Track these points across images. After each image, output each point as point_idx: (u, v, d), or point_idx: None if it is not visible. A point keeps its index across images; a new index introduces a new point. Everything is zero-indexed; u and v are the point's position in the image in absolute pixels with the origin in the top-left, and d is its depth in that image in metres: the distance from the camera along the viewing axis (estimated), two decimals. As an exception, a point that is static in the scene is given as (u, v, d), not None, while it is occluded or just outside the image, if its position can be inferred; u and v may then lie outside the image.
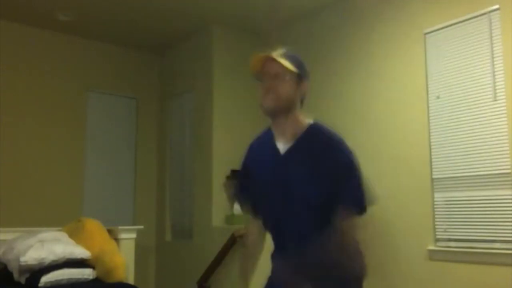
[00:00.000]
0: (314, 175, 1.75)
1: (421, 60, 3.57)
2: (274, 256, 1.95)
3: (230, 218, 4.46)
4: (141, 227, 4.38)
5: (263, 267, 2.05)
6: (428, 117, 3.49)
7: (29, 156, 4.58)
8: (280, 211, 1.82)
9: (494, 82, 3.17)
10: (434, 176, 3.42)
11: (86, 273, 3.59)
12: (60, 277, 3.45)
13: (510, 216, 3.03)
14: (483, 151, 3.19)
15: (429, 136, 3.47)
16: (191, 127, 5.04)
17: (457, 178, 3.32)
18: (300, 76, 1.82)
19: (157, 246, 5.26)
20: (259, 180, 1.88)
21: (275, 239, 1.91)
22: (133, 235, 4.14)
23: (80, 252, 3.64)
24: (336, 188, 1.74)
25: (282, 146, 1.82)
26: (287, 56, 1.79)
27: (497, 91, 3.15)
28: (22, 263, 3.39)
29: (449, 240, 3.32)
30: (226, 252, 4.14)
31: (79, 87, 4.97)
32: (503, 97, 3.11)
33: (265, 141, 1.89)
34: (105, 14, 4.52)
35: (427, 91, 3.52)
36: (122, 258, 3.79)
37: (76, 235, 3.89)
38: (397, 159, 3.66)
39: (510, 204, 3.04)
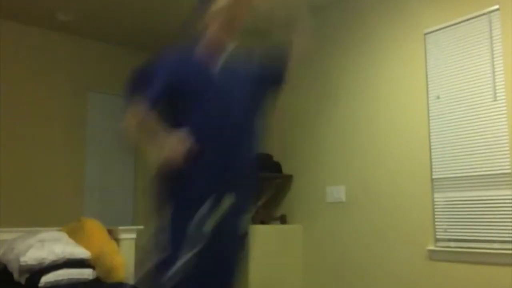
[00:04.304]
0: None
1: (421, 60, 3.56)
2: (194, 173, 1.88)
3: (230, 218, 4.45)
4: (141, 227, 4.38)
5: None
6: (428, 117, 3.49)
7: (29, 156, 4.58)
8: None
9: (494, 82, 3.17)
10: (434, 176, 3.42)
11: (86, 273, 3.59)
12: (60, 277, 3.45)
13: (510, 216, 3.03)
14: (483, 151, 3.19)
15: (429, 136, 3.47)
16: (191, 127, 5.03)
17: (457, 178, 3.32)
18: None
19: (157, 246, 5.25)
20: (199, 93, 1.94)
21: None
22: (133, 235, 4.14)
23: (80, 252, 3.65)
24: None
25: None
26: None
27: (497, 91, 3.15)
28: (22, 263, 3.39)
29: (449, 240, 3.32)
30: (226, 252, 4.14)
31: (79, 87, 4.97)
32: (503, 97, 3.11)
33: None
34: (105, 14, 4.52)
35: (427, 91, 3.52)
36: (122, 258, 3.79)
37: (76, 235, 3.89)
38: (397, 159, 3.66)
39: (510, 204, 3.04)
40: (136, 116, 1.86)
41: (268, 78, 2.12)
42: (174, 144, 1.78)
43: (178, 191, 1.90)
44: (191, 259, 1.80)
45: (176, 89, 1.94)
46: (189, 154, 1.81)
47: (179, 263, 1.79)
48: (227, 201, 1.89)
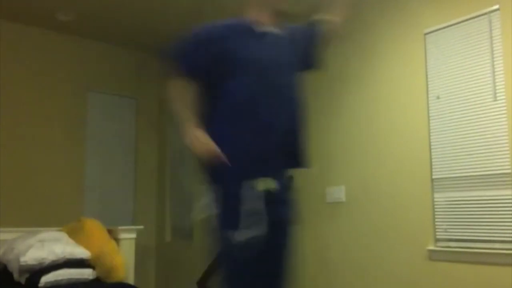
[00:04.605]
0: None
1: (421, 60, 3.56)
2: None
3: (230, 218, 4.46)
4: (141, 227, 4.38)
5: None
6: (428, 117, 3.49)
7: (29, 156, 4.58)
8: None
9: (494, 82, 3.17)
10: (434, 176, 3.42)
11: (86, 273, 3.59)
12: (60, 277, 3.45)
13: (510, 216, 3.03)
14: (483, 151, 3.19)
15: (429, 136, 3.47)
16: (191, 127, 5.03)
17: (457, 178, 3.32)
18: None
19: (157, 246, 5.26)
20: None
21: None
22: (133, 235, 4.15)
23: (80, 252, 3.65)
24: None
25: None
26: None
27: (497, 91, 3.15)
28: (22, 263, 3.39)
29: (449, 240, 3.32)
30: (226, 252, 4.14)
31: (79, 87, 4.97)
32: (503, 97, 3.11)
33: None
34: (105, 14, 4.52)
35: (427, 91, 3.51)
36: (122, 258, 3.79)
37: (76, 235, 3.90)
38: (397, 159, 3.66)
39: (510, 204, 3.04)
40: (175, 86, 2.02)
41: (302, 57, 2.18)
42: (199, 146, 1.90)
43: (229, 162, 1.91)
44: (255, 237, 1.85)
45: (221, 53, 1.96)
46: (216, 158, 1.86)
47: (243, 235, 1.84)
48: (280, 176, 1.94)
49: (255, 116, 1.93)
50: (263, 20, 2.11)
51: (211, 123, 1.98)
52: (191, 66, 2.01)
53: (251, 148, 1.93)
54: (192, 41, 2.03)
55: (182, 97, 2.03)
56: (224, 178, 1.92)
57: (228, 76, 1.95)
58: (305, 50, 2.22)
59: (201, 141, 1.91)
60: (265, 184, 1.91)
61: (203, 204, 1.97)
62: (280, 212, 2.01)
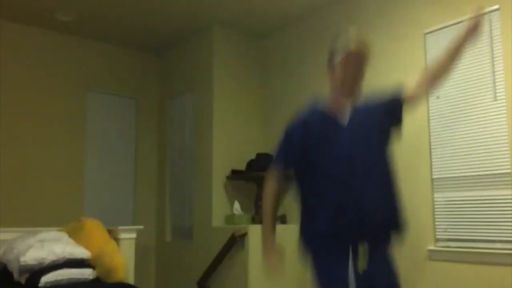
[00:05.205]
0: None
1: (421, 60, 3.56)
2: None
3: (230, 218, 4.46)
4: (141, 227, 4.38)
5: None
6: (428, 117, 3.49)
7: (29, 156, 4.58)
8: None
9: (494, 82, 3.17)
10: (434, 176, 3.42)
11: (86, 273, 3.59)
12: (60, 277, 3.45)
13: (510, 216, 3.03)
14: (483, 151, 3.19)
15: (429, 136, 3.47)
16: (191, 127, 5.04)
17: (457, 178, 3.32)
18: None
19: (157, 246, 5.26)
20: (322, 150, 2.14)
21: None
22: (133, 235, 4.14)
23: (80, 252, 3.65)
24: None
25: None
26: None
27: (497, 91, 3.15)
28: (22, 263, 3.39)
29: (449, 240, 3.32)
30: (226, 252, 4.14)
31: (79, 87, 4.97)
32: (503, 97, 3.11)
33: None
34: (105, 14, 4.52)
35: (427, 91, 3.51)
36: (122, 258, 3.79)
37: (76, 235, 3.89)
38: (397, 159, 3.65)
39: (510, 204, 3.04)
40: (271, 184, 2.27)
41: (391, 112, 2.25)
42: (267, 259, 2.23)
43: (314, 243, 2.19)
44: None
45: (306, 144, 2.16)
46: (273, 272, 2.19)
47: None
48: (362, 250, 2.04)
49: (329, 201, 2.10)
50: (340, 104, 2.19)
51: (300, 208, 2.30)
52: (286, 162, 2.25)
53: (326, 230, 2.11)
54: (284, 141, 2.28)
55: (272, 196, 2.29)
56: (314, 261, 2.18)
57: (310, 167, 2.16)
58: (387, 117, 2.26)
59: (269, 256, 2.24)
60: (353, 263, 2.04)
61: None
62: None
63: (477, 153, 3.22)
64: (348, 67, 2.17)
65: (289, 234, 4.29)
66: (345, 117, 2.17)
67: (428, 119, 3.49)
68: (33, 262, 3.41)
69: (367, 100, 2.27)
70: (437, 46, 3.50)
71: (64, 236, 3.85)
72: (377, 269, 2.05)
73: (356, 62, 2.19)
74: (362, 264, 2.01)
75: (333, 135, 2.14)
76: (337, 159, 2.11)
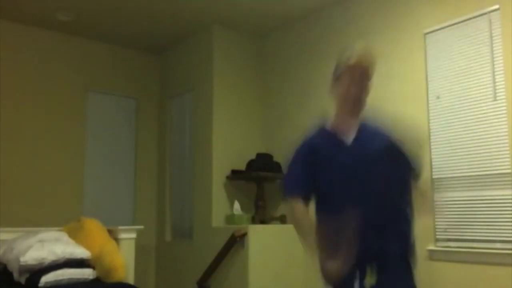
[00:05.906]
0: None
1: (421, 60, 3.56)
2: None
3: (230, 218, 4.46)
4: (141, 227, 4.37)
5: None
6: (428, 117, 3.49)
7: (29, 156, 4.58)
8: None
9: (494, 82, 3.17)
10: (434, 176, 3.42)
11: (86, 273, 3.59)
12: (60, 277, 3.45)
13: (510, 216, 3.03)
14: (483, 151, 3.19)
15: (429, 136, 3.47)
16: (191, 127, 5.04)
17: (457, 178, 3.32)
18: None
19: (157, 246, 5.26)
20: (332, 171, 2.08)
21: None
22: (133, 235, 4.14)
23: (80, 252, 3.64)
24: None
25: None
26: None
27: (497, 91, 3.15)
28: (22, 263, 3.39)
29: (449, 240, 3.32)
30: (226, 252, 4.15)
31: (79, 87, 4.97)
32: (503, 97, 3.11)
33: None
34: (105, 14, 4.52)
35: (427, 91, 3.51)
36: (122, 258, 3.79)
37: (76, 235, 3.89)
38: (397, 159, 3.65)
39: (510, 204, 3.04)
40: (294, 211, 2.13)
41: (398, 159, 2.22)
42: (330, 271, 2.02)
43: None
44: None
45: (314, 166, 2.10)
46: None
47: None
48: (369, 269, 1.99)
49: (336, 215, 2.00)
50: (345, 121, 2.13)
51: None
52: (300, 187, 2.13)
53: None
54: (295, 165, 2.18)
55: (302, 222, 2.12)
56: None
57: (316, 188, 2.11)
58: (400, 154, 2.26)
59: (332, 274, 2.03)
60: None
61: None
62: None
63: (477, 153, 3.22)
64: (349, 82, 2.09)
65: (289, 234, 4.29)
66: (350, 135, 2.09)
67: (428, 119, 3.49)
68: (33, 262, 3.41)
69: (375, 120, 2.20)
70: (437, 46, 3.50)
71: (64, 236, 3.84)
72: (387, 284, 2.02)
73: (356, 77, 2.09)
74: (370, 280, 1.98)
75: (337, 155, 2.08)
76: (338, 179, 2.06)
